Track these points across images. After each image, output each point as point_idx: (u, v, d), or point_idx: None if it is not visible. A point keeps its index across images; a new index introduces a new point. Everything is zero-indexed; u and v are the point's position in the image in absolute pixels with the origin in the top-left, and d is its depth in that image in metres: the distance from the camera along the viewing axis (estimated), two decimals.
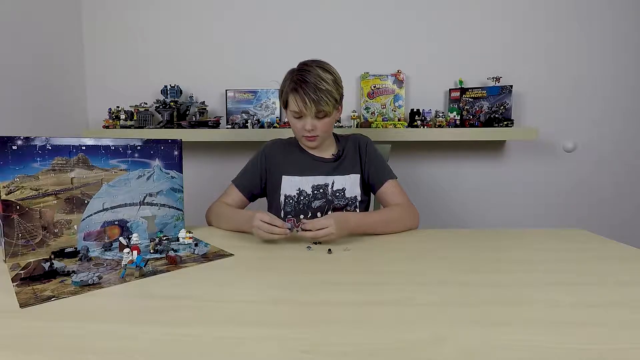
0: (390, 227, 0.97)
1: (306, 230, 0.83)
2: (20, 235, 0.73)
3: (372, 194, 1.18)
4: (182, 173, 0.97)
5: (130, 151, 0.87)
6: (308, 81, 0.99)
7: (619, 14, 1.69)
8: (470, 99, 1.68)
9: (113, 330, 0.47)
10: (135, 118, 1.67)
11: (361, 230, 0.93)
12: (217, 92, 1.77)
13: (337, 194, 1.09)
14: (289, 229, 0.84)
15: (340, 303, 0.55)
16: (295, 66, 1.06)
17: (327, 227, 0.83)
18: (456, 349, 0.43)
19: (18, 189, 0.73)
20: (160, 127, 1.65)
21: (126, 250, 0.69)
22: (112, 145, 0.85)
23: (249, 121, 1.67)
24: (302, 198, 1.09)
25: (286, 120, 1.72)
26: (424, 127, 1.64)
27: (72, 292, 0.59)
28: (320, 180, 1.10)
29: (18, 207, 0.73)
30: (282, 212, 1.10)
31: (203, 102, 1.71)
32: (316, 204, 1.08)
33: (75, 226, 0.80)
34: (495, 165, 1.78)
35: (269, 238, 0.84)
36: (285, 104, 1.07)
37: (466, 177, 1.79)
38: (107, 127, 1.67)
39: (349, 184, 1.10)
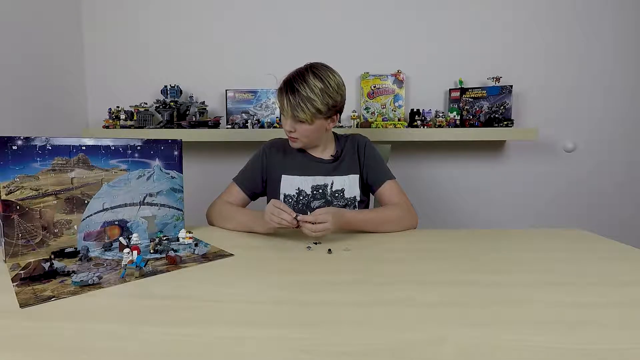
0: (385, 226, 0.97)
1: (306, 222, 0.84)
2: (20, 235, 0.73)
3: (371, 194, 1.18)
4: (182, 173, 0.97)
5: (130, 151, 0.87)
6: (293, 83, 0.99)
7: (619, 14, 1.69)
8: (470, 99, 1.68)
9: (113, 330, 0.47)
10: (135, 118, 1.67)
11: (355, 227, 0.94)
12: (217, 92, 1.77)
13: (337, 194, 1.09)
14: (296, 221, 0.84)
15: (340, 303, 0.55)
16: (299, 65, 1.04)
17: (325, 222, 0.84)
18: (456, 349, 0.43)
19: (18, 189, 0.73)
20: (160, 127, 1.65)
21: (126, 250, 0.69)
22: (112, 145, 0.85)
23: (249, 121, 1.67)
24: (301, 198, 1.09)
25: None
26: (424, 127, 1.64)
27: (72, 292, 0.59)
28: (319, 180, 1.10)
29: (18, 207, 0.73)
30: None
31: (203, 102, 1.71)
32: (315, 204, 1.08)
33: (75, 226, 0.80)
34: (495, 165, 1.78)
35: (277, 222, 0.85)
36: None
37: (466, 177, 1.79)
38: (107, 127, 1.67)
39: (348, 184, 1.10)
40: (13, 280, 0.63)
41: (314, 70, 1.00)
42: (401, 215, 1.00)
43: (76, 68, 1.75)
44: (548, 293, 0.59)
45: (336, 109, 1.04)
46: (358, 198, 1.10)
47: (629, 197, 1.78)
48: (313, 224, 0.84)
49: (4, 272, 0.67)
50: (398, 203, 1.04)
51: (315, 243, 0.86)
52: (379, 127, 1.64)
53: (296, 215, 0.84)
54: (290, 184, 1.10)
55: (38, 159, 0.75)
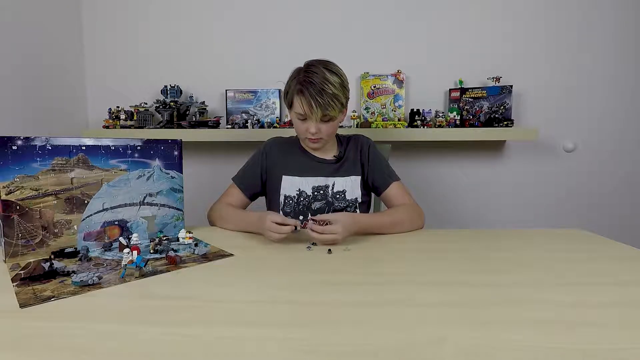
0: (398, 227, 0.98)
1: (313, 231, 0.83)
2: (20, 235, 0.73)
3: (372, 195, 1.17)
4: (182, 173, 0.97)
5: (130, 151, 0.87)
6: (314, 83, 0.97)
7: (619, 14, 1.69)
8: (470, 99, 1.67)
9: (113, 330, 0.47)
10: (135, 118, 1.67)
11: (370, 231, 0.94)
12: (217, 92, 1.77)
13: (338, 195, 1.09)
14: (297, 227, 0.84)
15: (340, 303, 0.55)
16: (300, 65, 1.04)
17: (334, 233, 0.83)
18: (456, 349, 0.43)
19: (18, 189, 0.73)
20: (160, 127, 1.65)
21: (126, 250, 0.69)
22: (112, 145, 0.85)
23: (249, 121, 1.67)
24: (302, 199, 1.09)
25: (286, 120, 1.72)
26: (424, 127, 1.64)
27: (72, 292, 0.59)
28: (321, 181, 1.09)
29: (18, 207, 0.73)
30: (281, 212, 1.09)
31: (203, 102, 1.71)
32: (316, 205, 1.08)
33: (75, 226, 0.80)
34: (495, 165, 1.78)
35: (279, 238, 0.84)
36: (290, 105, 1.05)
37: (466, 177, 1.79)
38: (107, 127, 1.67)
39: (350, 185, 1.10)
40: (13, 280, 0.63)
41: (326, 67, 1.01)
42: (412, 215, 1.02)
43: (76, 68, 1.75)
44: (548, 293, 0.59)
45: (347, 100, 1.06)
46: (359, 199, 1.10)
47: (629, 197, 1.77)
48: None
49: (4, 272, 0.67)
50: (407, 204, 1.06)
51: (314, 244, 0.86)
52: (379, 127, 1.64)
53: (303, 224, 0.85)
54: (290, 184, 1.09)
55: (38, 159, 0.75)
